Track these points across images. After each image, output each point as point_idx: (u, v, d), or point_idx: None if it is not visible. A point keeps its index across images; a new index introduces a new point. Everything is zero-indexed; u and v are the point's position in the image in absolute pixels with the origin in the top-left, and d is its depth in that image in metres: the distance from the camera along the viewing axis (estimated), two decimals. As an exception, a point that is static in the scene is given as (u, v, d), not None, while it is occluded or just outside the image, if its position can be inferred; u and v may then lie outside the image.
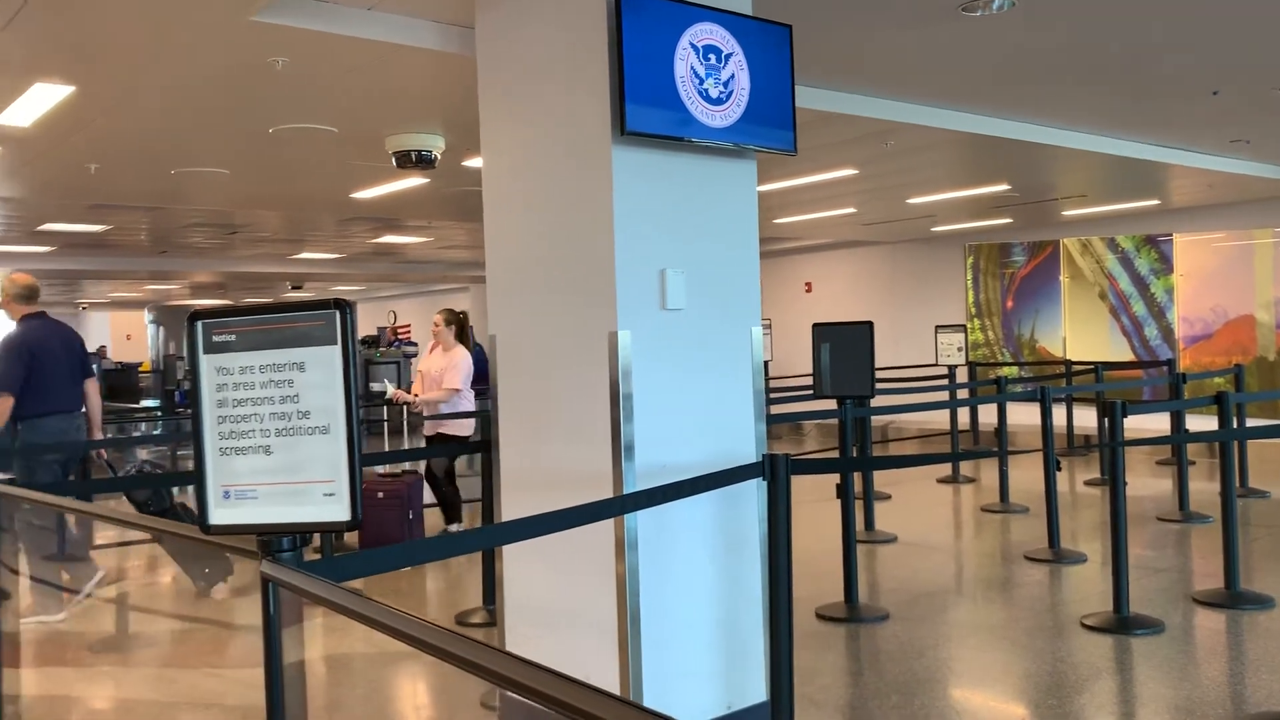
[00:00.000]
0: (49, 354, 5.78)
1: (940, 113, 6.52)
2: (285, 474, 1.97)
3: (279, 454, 1.97)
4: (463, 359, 7.36)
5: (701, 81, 3.53)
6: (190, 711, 4.30)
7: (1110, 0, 4.61)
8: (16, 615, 3.48)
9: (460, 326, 7.49)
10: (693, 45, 3.51)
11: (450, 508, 7.38)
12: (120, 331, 27.84)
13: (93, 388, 5.98)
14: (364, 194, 8.92)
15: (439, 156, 6.42)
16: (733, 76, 3.62)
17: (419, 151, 6.19)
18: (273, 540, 1.96)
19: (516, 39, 3.80)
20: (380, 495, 7.13)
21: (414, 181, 8.19)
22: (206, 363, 2.01)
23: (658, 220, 3.55)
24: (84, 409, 5.89)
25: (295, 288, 20.20)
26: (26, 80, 4.80)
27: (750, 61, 3.66)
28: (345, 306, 1.95)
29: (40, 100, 5.15)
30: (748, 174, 3.84)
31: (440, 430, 7.33)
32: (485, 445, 5.46)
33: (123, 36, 4.20)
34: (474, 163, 7.30)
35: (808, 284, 16.61)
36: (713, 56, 3.56)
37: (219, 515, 2.00)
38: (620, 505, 3.23)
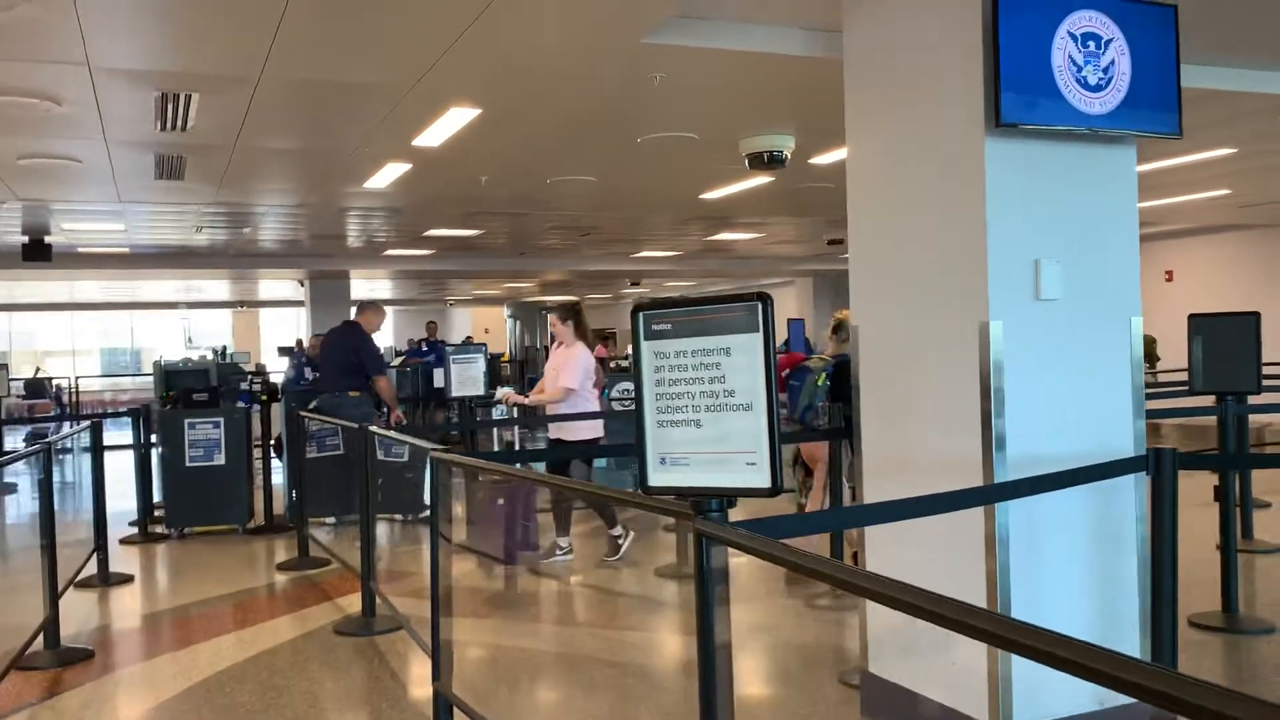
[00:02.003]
0: (321, 352, 8.51)
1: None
2: (713, 444, 2.24)
3: (708, 427, 2.24)
4: (578, 356, 6.55)
5: (1080, 69, 3.49)
6: (574, 662, 4.80)
7: None
8: (449, 573, 4.05)
9: (578, 321, 6.68)
10: (1070, 34, 3.48)
11: (605, 513, 6.71)
12: (480, 325, 30.66)
13: (379, 381, 7.97)
14: (712, 195, 9.36)
15: (789, 156, 6.66)
16: (1113, 62, 3.55)
17: (771, 152, 6.47)
18: (703, 501, 2.24)
19: (885, 37, 3.92)
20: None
21: (759, 180, 8.49)
22: (647, 348, 2.32)
23: (1031, 210, 3.55)
24: (358, 393, 7.82)
25: (634, 284, 21.34)
26: (444, 106, 5.55)
27: (1131, 45, 3.57)
28: (767, 299, 2.18)
29: (452, 123, 5.93)
30: (1127, 160, 3.74)
31: (560, 435, 6.65)
32: (846, 431, 5.65)
33: (528, 63, 4.77)
34: (821, 160, 7.48)
35: (1168, 272, 15.33)
36: (1092, 43, 3.51)
37: (656, 478, 2.31)
38: (998, 493, 3.28)
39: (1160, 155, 7.96)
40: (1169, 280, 15.32)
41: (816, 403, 5.75)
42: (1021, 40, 3.41)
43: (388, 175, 7.76)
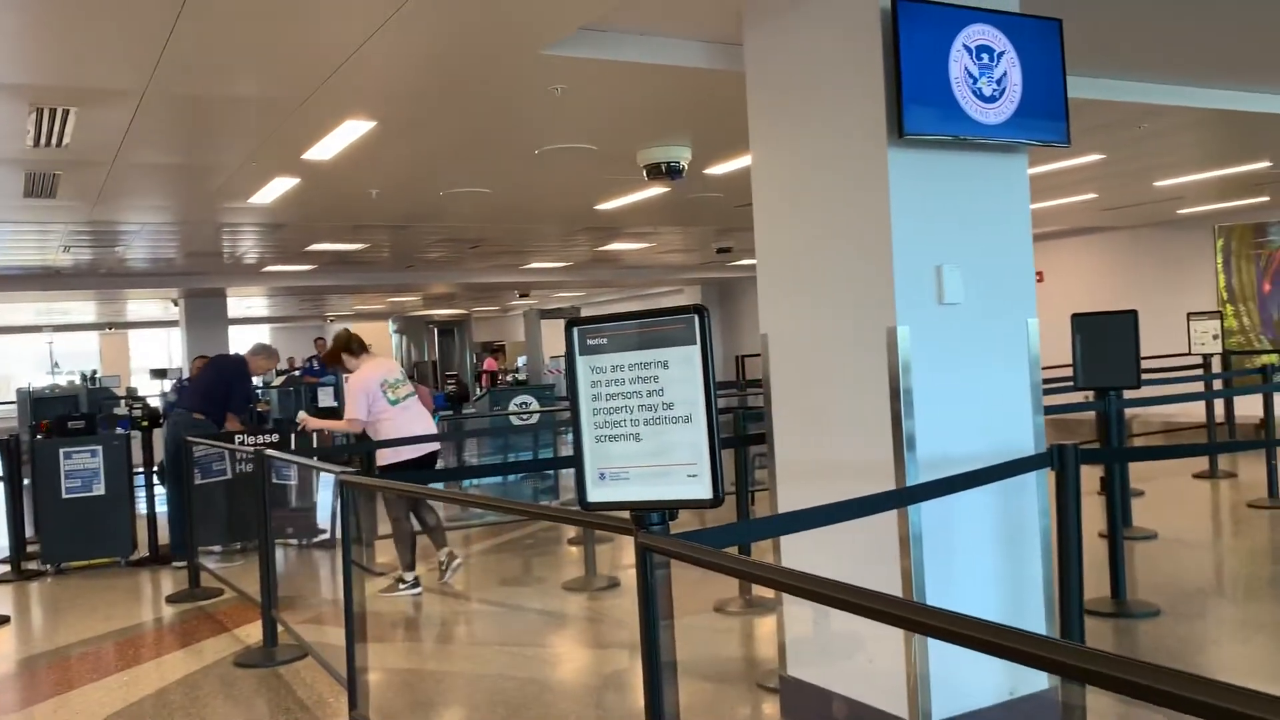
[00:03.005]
0: (198, 373, 9.03)
1: (1202, 91, 6.26)
2: (653, 458, 2.23)
3: (647, 440, 2.24)
4: (353, 384, 6.40)
5: (975, 81, 3.62)
6: (491, 682, 4.73)
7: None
8: (363, 594, 3.95)
9: (350, 349, 6.48)
10: (966, 47, 3.61)
11: (433, 531, 6.53)
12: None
13: (234, 419, 8.15)
14: (607, 205, 9.38)
15: (686, 167, 6.72)
16: (1005, 74, 3.69)
17: (669, 163, 6.52)
18: (644, 515, 2.23)
19: (786, 52, 4.00)
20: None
21: (655, 191, 8.54)
22: (582, 363, 2.30)
23: (933, 218, 3.66)
24: (202, 417, 7.94)
25: (523, 295, 21.21)
26: (338, 119, 5.41)
27: (1022, 58, 3.72)
28: (703, 312, 2.19)
29: (345, 135, 5.78)
30: (1019, 168, 3.90)
31: (380, 463, 6.44)
32: (747, 440, 5.72)
33: (428, 75, 4.69)
34: (714, 170, 7.57)
35: (1039, 273, 16.02)
36: (985, 56, 3.65)
37: (596, 494, 2.29)
38: (910, 496, 3.36)
39: (1034, 162, 8.32)
40: (1040, 281, 15.99)
41: None
42: (920, 53, 3.51)
43: (274, 190, 7.53)
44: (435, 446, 6.60)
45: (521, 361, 23.55)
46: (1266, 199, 12.05)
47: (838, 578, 3.79)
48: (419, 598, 6.31)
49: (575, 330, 2.32)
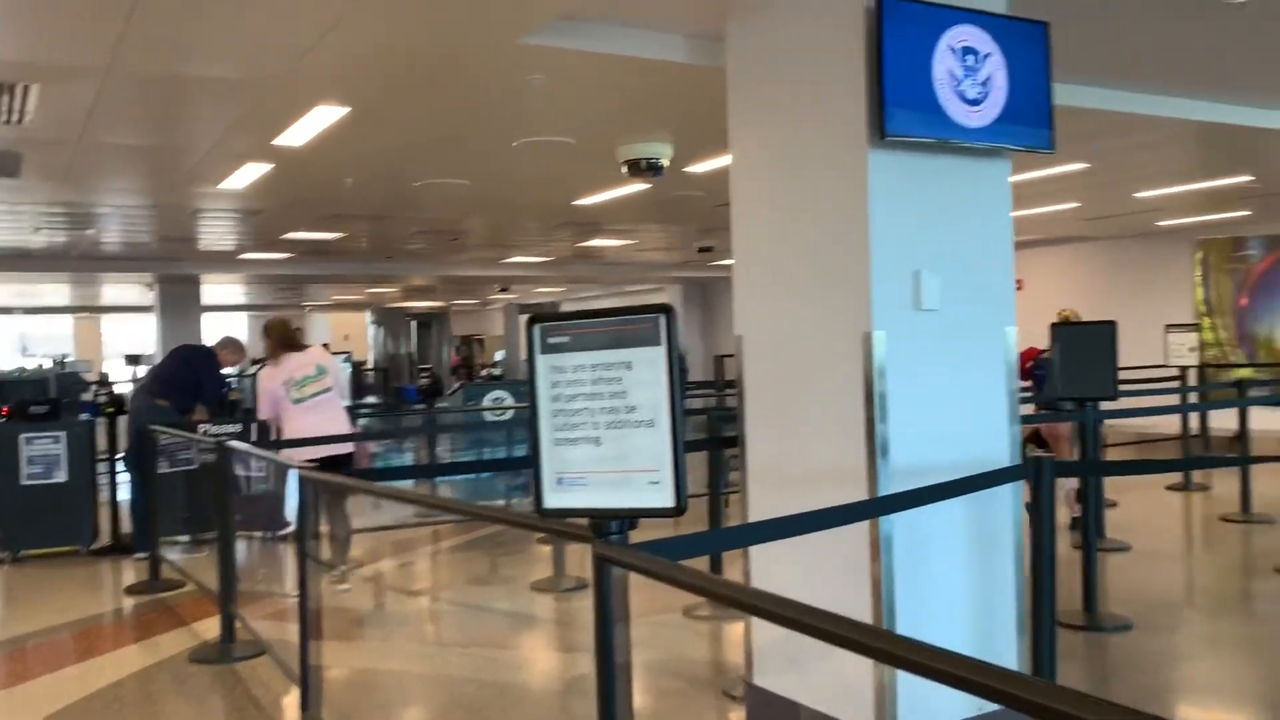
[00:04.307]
0: (163, 362, 8.84)
1: (1188, 103, 6.23)
2: (613, 463, 2.14)
3: (607, 445, 2.15)
4: (260, 385, 6.40)
5: (959, 83, 3.54)
6: (452, 684, 4.63)
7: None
8: (318, 595, 3.85)
9: (275, 338, 6.35)
10: (951, 48, 3.53)
11: (337, 543, 6.27)
12: (340, 332, 29.76)
13: (204, 409, 7.92)
14: (587, 200, 9.27)
15: (667, 164, 6.63)
16: (990, 77, 3.61)
17: (649, 159, 6.42)
18: (603, 524, 2.14)
19: (768, 48, 3.91)
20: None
21: (634, 188, 8.45)
22: (543, 362, 2.21)
23: (912, 222, 3.58)
24: (166, 402, 7.68)
25: (503, 290, 21.08)
26: (310, 104, 5.29)
27: (1008, 61, 3.65)
28: (670, 311, 2.10)
29: (317, 121, 5.65)
30: (1002, 173, 3.83)
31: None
32: (721, 443, 5.63)
33: (401, 61, 4.58)
34: (695, 168, 7.49)
35: (1019, 281, 16.05)
36: (970, 58, 3.57)
37: (552, 500, 2.20)
38: (881, 506, 3.29)
39: (1017, 169, 8.27)
40: (1019, 289, 16.00)
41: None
42: (904, 53, 3.43)
43: (246, 176, 7.39)
44: (347, 448, 6.25)
45: (499, 356, 23.41)
46: (1247, 213, 12.07)
47: (807, 585, 3.73)
48: (348, 592, 6.26)
49: (537, 328, 2.23)
